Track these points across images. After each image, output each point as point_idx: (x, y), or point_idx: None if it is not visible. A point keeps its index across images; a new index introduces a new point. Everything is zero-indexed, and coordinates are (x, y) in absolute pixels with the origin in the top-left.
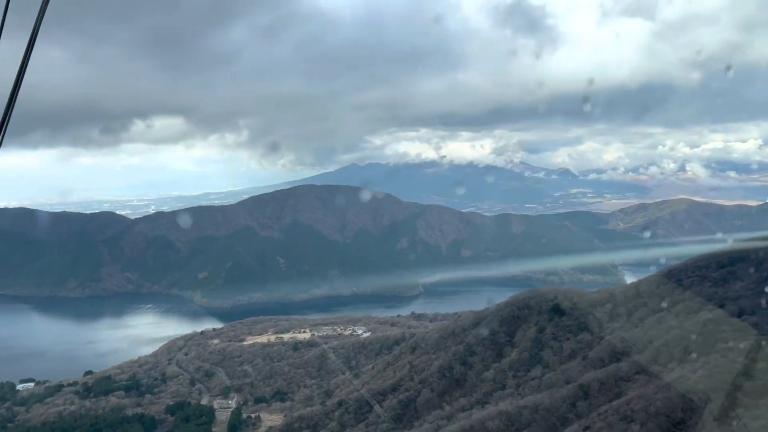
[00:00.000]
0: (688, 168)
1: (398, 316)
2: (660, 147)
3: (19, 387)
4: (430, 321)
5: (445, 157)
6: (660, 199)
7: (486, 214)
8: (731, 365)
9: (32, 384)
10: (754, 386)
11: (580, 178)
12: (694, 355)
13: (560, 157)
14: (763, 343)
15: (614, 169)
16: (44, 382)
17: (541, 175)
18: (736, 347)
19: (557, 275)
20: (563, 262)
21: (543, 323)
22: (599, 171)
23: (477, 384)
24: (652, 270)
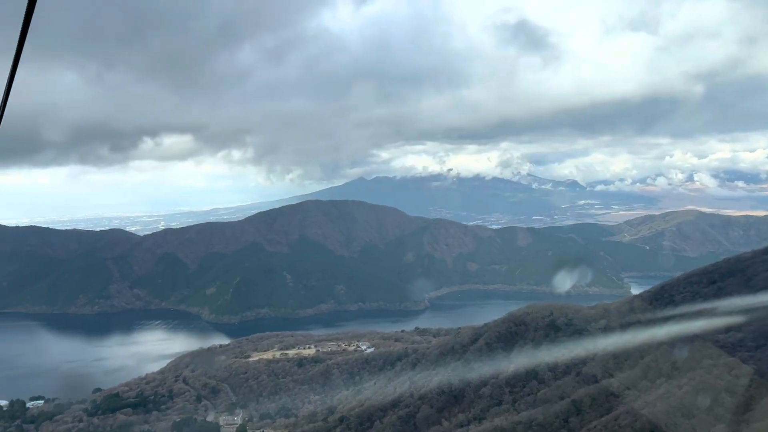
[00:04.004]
0: (696, 178)
1: (402, 331)
2: (667, 157)
3: (29, 405)
4: (434, 336)
5: (451, 170)
6: (667, 210)
7: (492, 226)
8: (716, 381)
9: (42, 401)
10: (738, 402)
11: (588, 189)
12: (679, 371)
13: (567, 169)
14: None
15: (621, 180)
16: (53, 400)
17: (549, 186)
18: (722, 363)
19: (563, 288)
20: (569, 275)
21: (539, 339)
22: (606, 182)
23: (474, 400)
24: (656, 282)
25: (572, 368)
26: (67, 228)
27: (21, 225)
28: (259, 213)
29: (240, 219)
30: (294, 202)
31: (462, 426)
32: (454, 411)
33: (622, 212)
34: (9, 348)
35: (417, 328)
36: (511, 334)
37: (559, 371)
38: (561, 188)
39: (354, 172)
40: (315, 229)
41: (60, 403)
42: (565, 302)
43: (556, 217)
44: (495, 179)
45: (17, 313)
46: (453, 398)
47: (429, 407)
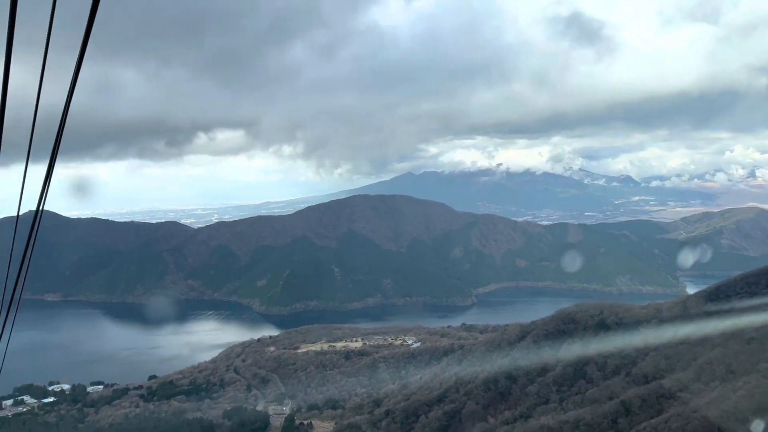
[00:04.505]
0: (758, 174)
1: (449, 326)
2: (727, 152)
3: (90, 389)
4: (480, 332)
5: (500, 165)
6: (726, 207)
7: (542, 222)
8: None
9: (101, 387)
10: None
11: (642, 185)
12: (734, 374)
13: (621, 164)
14: None
15: (678, 175)
16: (112, 385)
17: (602, 182)
18: None
19: (615, 286)
20: (622, 273)
21: (588, 338)
22: (662, 178)
23: (521, 397)
24: (713, 281)
25: (622, 368)
26: (126, 220)
27: (83, 217)
28: (309, 207)
29: (290, 213)
30: (342, 197)
31: (508, 423)
32: (500, 408)
33: (678, 209)
34: (72, 335)
35: (464, 324)
36: (559, 332)
37: (608, 371)
38: (614, 184)
39: (402, 167)
40: (363, 224)
41: (118, 389)
42: (617, 301)
43: (608, 213)
44: (546, 174)
45: (79, 301)
46: (499, 395)
47: (475, 403)
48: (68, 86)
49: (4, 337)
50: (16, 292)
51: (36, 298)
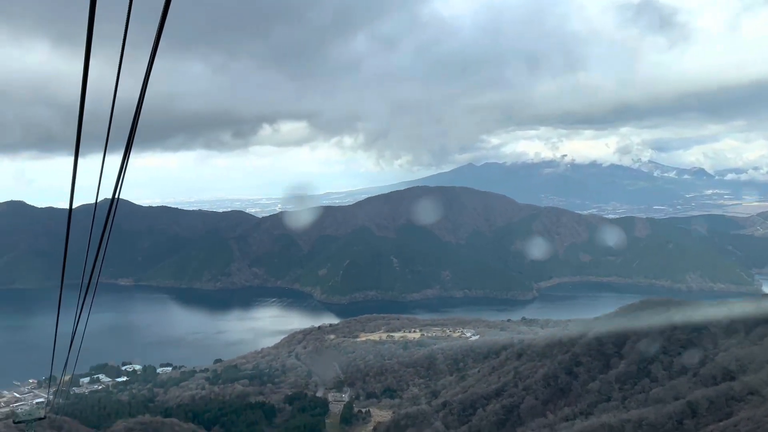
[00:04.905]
0: None
1: (508, 320)
2: None
3: (159, 370)
4: (541, 327)
5: (565, 156)
6: None
7: (608, 216)
8: None
9: (170, 368)
10: None
11: (716, 178)
12: None
13: (694, 156)
14: None
15: (756, 168)
16: (180, 367)
17: (672, 174)
18: None
19: (684, 283)
20: (692, 269)
21: (654, 335)
22: (738, 171)
23: (582, 394)
24: None
25: (689, 368)
26: (194, 209)
27: (154, 205)
28: (369, 198)
29: (350, 203)
30: (402, 188)
31: (567, 420)
32: (559, 404)
33: (755, 203)
34: (143, 318)
35: (524, 319)
36: (623, 329)
37: (674, 371)
38: (686, 176)
39: (463, 158)
40: (422, 215)
41: (185, 371)
42: (685, 298)
43: (679, 207)
44: (613, 166)
45: (150, 286)
46: (559, 391)
47: (534, 399)
48: (142, 79)
49: (83, 318)
50: (93, 276)
51: (110, 282)
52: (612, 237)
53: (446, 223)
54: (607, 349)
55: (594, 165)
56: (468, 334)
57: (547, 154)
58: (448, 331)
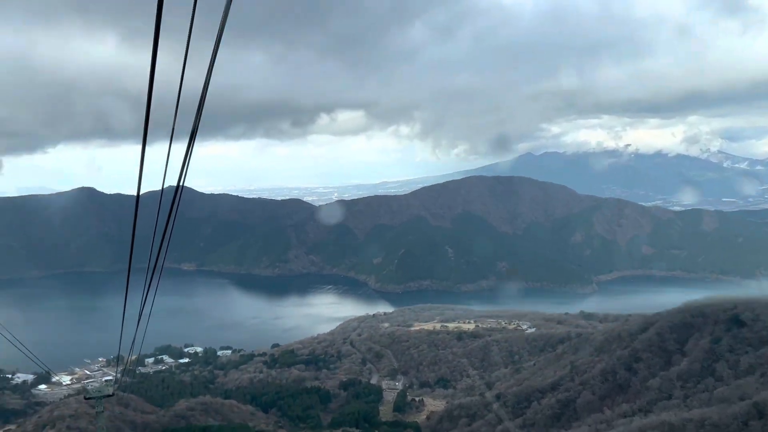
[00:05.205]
0: None
1: (566, 313)
2: None
3: (219, 353)
4: (600, 321)
5: (629, 146)
6: None
7: (674, 208)
8: None
9: (230, 351)
10: None
11: None
12: None
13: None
14: None
15: None
16: (239, 351)
17: (744, 165)
18: None
19: (754, 279)
20: (763, 265)
21: (719, 333)
22: None
23: (641, 391)
24: None
25: (757, 368)
26: (254, 196)
27: (215, 192)
28: (424, 187)
29: (406, 193)
30: (458, 177)
31: (626, 417)
32: (617, 400)
33: None
34: (205, 302)
35: (582, 312)
36: (686, 326)
37: (740, 370)
38: (759, 167)
39: (522, 147)
40: (478, 205)
41: (244, 354)
42: (755, 295)
43: (750, 200)
44: (679, 156)
45: (212, 271)
46: (617, 387)
47: (591, 394)
48: (206, 70)
49: (148, 301)
50: (159, 260)
51: (174, 266)
52: (677, 230)
53: (503, 214)
54: (669, 346)
55: (659, 155)
56: (524, 327)
57: (609, 143)
58: (503, 322)
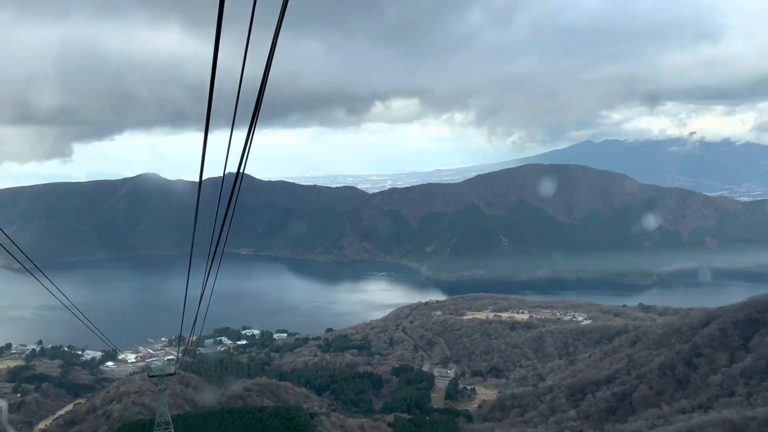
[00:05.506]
0: None
1: (624, 306)
2: None
3: (275, 336)
4: (659, 314)
5: (693, 133)
6: None
7: (741, 199)
8: None
9: (285, 334)
10: None
11: None
12: None
13: None
14: None
15: None
16: (294, 334)
17: None
18: None
19: None
20: None
21: None
22: None
23: (701, 387)
24: None
25: None
26: (309, 184)
27: (272, 180)
28: (479, 175)
29: (460, 181)
30: (514, 165)
31: (684, 413)
32: (675, 396)
33: None
34: (262, 285)
35: (641, 305)
36: (751, 322)
37: None
38: None
39: (580, 135)
40: (534, 194)
41: (299, 338)
42: None
43: None
44: (748, 144)
45: (268, 256)
46: (676, 382)
47: (648, 388)
48: (265, 59)
49: (209, 284)
50: (219, 245)
51: (233, 251)
52: (744, 221)
53: (560, 203)
54: (733, 342)
55: (726, 143)
56: (579, 318)
57: (673, 131)
58: (558, 313)
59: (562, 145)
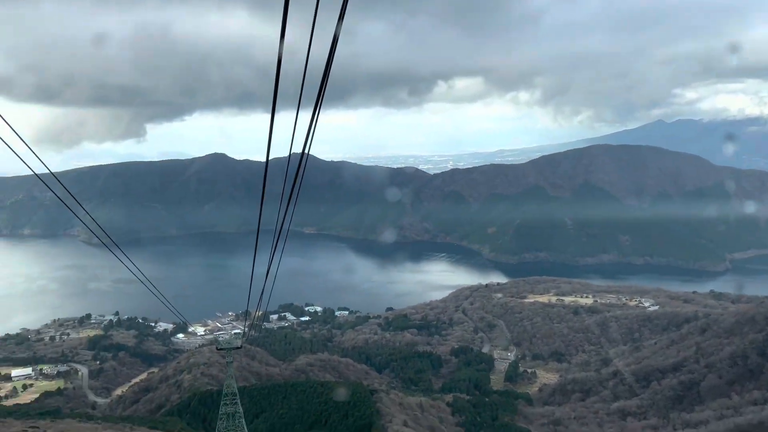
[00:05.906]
0: None
1: (694, 292)
2: None
3: (337, 313)
4: (732, 302)
5: None
6: None
7: None
8: None
9: (346, 312)
10: None
11: None
12: None
13: None
14: None
15: None
16: (355, 312)
17: None
18: None
19: None
20: None
21: None
22: None
23: None
24: None
25: None
26: (371, 164)
27: (335, 160)
28: (543, 156)
29: (523, 161)
30: (581, 146)
31: (756, 404)
32: (747, 386)
33: None
34: (324, 264)
35: (712, 291)
36: None
37: None
38: None
39: (652, 114)
40: (601, 175)
41: (360, 316)
42: None
43: None
44: None
45: (331, 235)
46: (748, 372)
47: (717, 377)
48: (330, 40)
49: (274, 261)
50: (285, 223)
51: (297, 229)
52: None
53: (628, 185)
54: None
55: None
56: (646, 304)
57: (753, 110)
58: (624, 299)
59: (632, 125)
